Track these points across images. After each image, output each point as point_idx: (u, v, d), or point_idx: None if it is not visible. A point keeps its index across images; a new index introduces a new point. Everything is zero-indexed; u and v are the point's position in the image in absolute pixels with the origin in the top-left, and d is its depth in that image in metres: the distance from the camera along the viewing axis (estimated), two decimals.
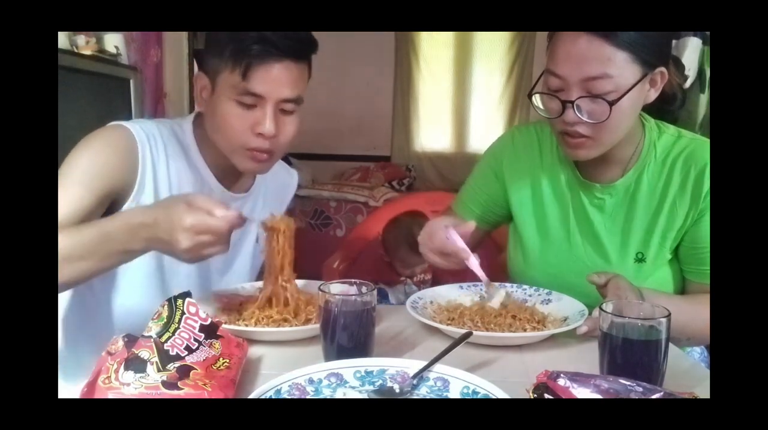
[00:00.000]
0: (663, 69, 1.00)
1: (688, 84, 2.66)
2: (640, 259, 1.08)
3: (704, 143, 1.07)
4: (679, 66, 1.10)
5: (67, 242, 0.86)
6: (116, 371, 0.66)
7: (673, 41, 2.70)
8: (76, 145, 1.01)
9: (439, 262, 1.00)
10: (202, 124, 1.09)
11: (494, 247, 1.63)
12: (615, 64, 0.94)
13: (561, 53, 0.97)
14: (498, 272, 1.29)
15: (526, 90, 4.73)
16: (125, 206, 1.02)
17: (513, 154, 1.21)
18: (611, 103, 0.95)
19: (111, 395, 0.64)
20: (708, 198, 1.03)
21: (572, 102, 0.96)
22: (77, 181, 0.96)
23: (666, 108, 1.09)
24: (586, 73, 0.94)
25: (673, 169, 1.07)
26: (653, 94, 1.02)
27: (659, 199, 1.07)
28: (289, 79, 1.00)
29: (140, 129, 1.04)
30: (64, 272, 0.85)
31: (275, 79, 0.99)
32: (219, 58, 1.00)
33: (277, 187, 1.27)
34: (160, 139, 1.06)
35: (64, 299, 1.08)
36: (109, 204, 1.01)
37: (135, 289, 1.07)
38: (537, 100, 1.03)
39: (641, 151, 1.09)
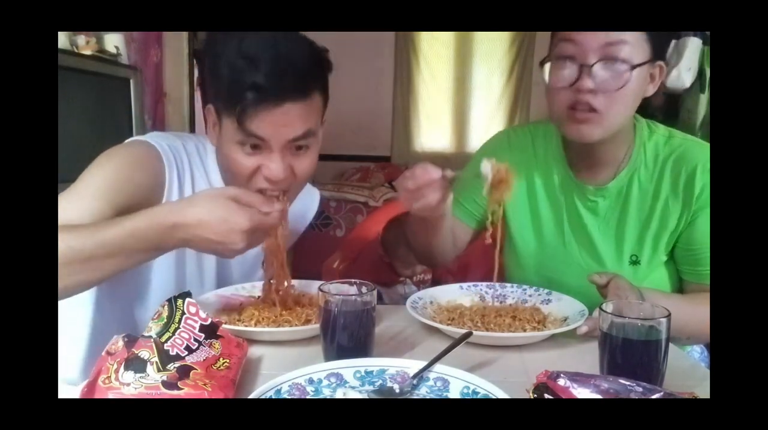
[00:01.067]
0: (662, 63, 1.01)
1: (688, 84, 2.66)
2: (634, 261, 1.08)
3: (695, 144, 1.07)
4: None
5: (88, 241, 0.82)
6: (116, 371, 0.66)
7: (673, 41, 2.71)
8: (97, 158, 0.97)
9: (425, 203, 0.96)
10: None
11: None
12: (635, 36, 0.95)
13: None
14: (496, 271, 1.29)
15: (527, 90, 4.76)
16: None
17: (507, 154, 1.20)
18: (633, 67, 0.95)
19: (111, 395, 0.64)
20: (701, 199, 1.03)
21: (590, 66, 0.96)
22: (96, 195, 0.92)
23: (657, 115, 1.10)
24: (608, 37, 0.95)
25: (664, 171, 1.07)
26: (651, 89, 1.02)
27: (651, 201, 1.07)
28: (292, 119, 0.93)
29: (167, 147, 1.00)
30: (88, 272, 0.82)
31: (275, 122, 0.92)
32: (220, 100, 0.96)
33: (299, 208, 1.22)
34: (185, 158, 1.03)
35: (88, 308, 1.05)
36: None
37: (159, 302, 1.06)
38: (547, 69, 1.03)
39: (632, 153, 1.08)
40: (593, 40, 0.95)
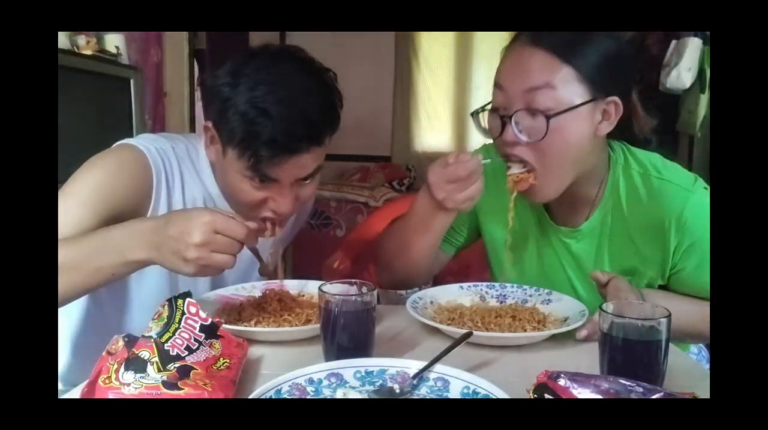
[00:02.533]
0: (617, 100, 0.94)
1: (688, 84, 2.66)
2: None
3: (673, 190, 0.97)
4: (651, 111, 1.03)
5: (64, 252, 0.82)
6: (116, 371, 0.66)
7: (673, 41, 2.71)
8: (84, 163, 0.97)
9: (464, 195, 0.95)
10: None
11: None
12: (559, 77, 0.90)
13: (507, 63, 0.95)
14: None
15: None
16: None
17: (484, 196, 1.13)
18: (548, 117, 0.89)
19: (111, 395, 0.64)
20: (687, 255, 0.97)
21: (510, 116, 0.92)
22: (80, 201, 0.92)
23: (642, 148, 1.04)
24: (529, 82, 0.90)
25: (637, 216, 1.00)
26: (606, 127, 0.95)
27: (625, 246, 1.02)
28: (304, 165, 0.96)
29: (155, 151, 0.99)
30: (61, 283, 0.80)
31: (288, 168, 0.94)
32: (227, 138, 0.94)
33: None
34: (175, 161, 1.02)
35: (73, 320, 1.05)
36: None
37: (147, 313, 1.06)
38: (482, 119, 0.99)
39: (605, 191, 1.02)
40: (517, 85, 0.91)
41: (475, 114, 1.01)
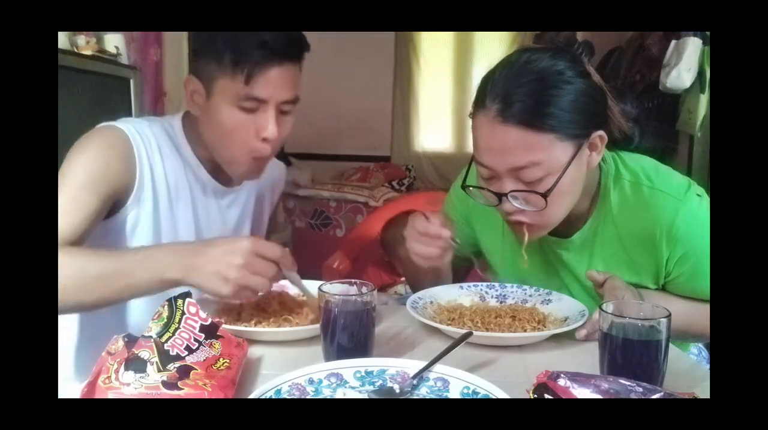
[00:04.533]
0: (601, 133, 0.93)
1: (688, 84, 2.66)
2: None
3: (664, 200, 0.96)
4: (627, 104, 1.01)
5: (103, 263, 0.88)
6: (116, 371, 0.66)
7: (673, 41, 2.71)
8: (71, 148, 1.00)
9: (424, 251, 0.97)
10: (191, 121, 1.10)
11: None
12: (541, 149, 0.88)
13: (482, 144, 0.92)
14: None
15: None
16: (126, 206, 1.03)
17: (477, 206, 1.12)
18: (545, 195, 0.89)
19: (111, 395, 0.64)
20: (680, 264, 0.97)
21: (505, 195, 0.91)
22: (81, 185, 0.96)
23: (627, 147, 1.03)
24: (512, 163, 0.89)
25: (628, 227, 0.99)
26: (596, 158, 0.95)
27: (617, 256, 1.02)
28: (287, 81, 1.01)
29: (133, 129, 1.04)
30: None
31: (276, 82, 0.99)
32: (217, 65, 0.98)
33: (267, 178, 1.28)
34: (152, 138, 1.07)
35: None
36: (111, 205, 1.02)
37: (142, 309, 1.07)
38: (474, 191, 0.98)
39: (597, 203, 1.02)
40: (502, 164, 0.90)
41: (464, 188, 1.00)
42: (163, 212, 1.08)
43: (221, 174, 1.14)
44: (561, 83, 0.88)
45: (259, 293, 0.90)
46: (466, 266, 1.27)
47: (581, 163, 0.93)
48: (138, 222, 1.05)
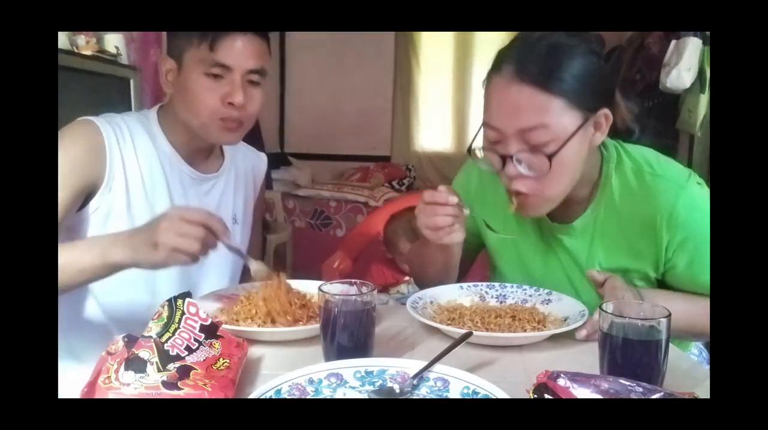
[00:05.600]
0: (606, 111, 0.95)
1: (688, 84, 2.66)
2: None
3: (665, 185, 0.98)
4: (631, 101, 1.04)
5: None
6: (116, 371, 0.66)
7: (673, 41, 2.71)
8: None
9: (434, 221, 0.98)
10: (166, 112, 1.14)
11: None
12: (551, 112, 0.90)
13: (494, 104, 0.94)
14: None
15: None
16: (97, 196, 1.06)
17: (479, 190, 1.17)
18: (550, 156, 0.90)
19: (111, 395, 0.64)
20: (679, 251, 0.98)
21: (511, 156, 0.92)
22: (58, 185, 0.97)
23: (628, 140, 1.05)
24: (521, 124, 0.90)
25: (629, 213, 1.01)
26: (599, 137, 0.96)
27: (618, 242, 1.02)
28: (253, 50, 1.06)
29: (105, 121, 1.08)
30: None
31: (240, 50, 1.04)
32: (186, 38, 1.05)
33: (248, 168, 1.31)
34: (126, 129, 1.10)
35: None
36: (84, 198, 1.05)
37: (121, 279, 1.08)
38: (479, 153, 1.00)
39: (598, 189, 1.03)
40: (510, 126, 0.91)
41: (470, 151, 1.01)
42: (137, 201, 1.09)
43: (197, 161, 1.17)
44: (575, 55, 0.92)
45: (198, 257, 0.90)
46: (475, 250, 1.26)
47: (585, 138, 0.94)
48: (111, 212, 1.07)
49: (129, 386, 0.65)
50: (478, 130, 1.01)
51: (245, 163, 1.30)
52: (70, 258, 0.91)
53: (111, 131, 1.07)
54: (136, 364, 0.67)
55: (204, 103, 1.06)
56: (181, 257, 0.89)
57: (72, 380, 0.70)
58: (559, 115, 0.90)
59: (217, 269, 1.21)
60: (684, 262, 0.99)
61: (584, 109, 0.92)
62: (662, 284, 1.05)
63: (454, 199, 0.98)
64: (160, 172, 1.12)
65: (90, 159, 1.04)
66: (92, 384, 0.66)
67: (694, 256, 0.98)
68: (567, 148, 0.91)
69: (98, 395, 0.64)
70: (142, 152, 1.11)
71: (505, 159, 0.94)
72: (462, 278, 1.24)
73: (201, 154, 1.18)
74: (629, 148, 1.04)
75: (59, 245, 0.91)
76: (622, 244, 1.02)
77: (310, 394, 0.70)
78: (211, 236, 0.90)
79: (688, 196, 0.97)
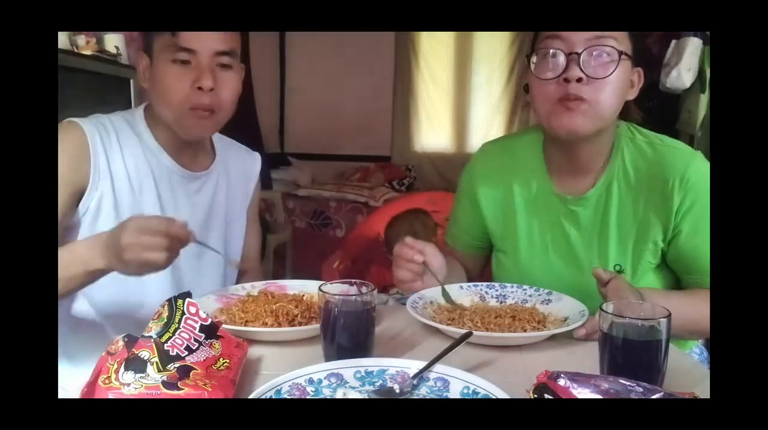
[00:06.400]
0: (640, 70, 1.03)
1: (688, 84, 2.66)
2: (619, 271, 1.06)
3: (674, 152, 1.05)
4: (641, 108, 1.14)
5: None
6: (116, 371, 0.66)
7: (673, 41, 2.71)
8: None
9: (396, 273, 1.04)
10: (151, 110, 1.13)
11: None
12: (618, 33, 0.98)
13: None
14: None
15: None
16: (84, 198, 1.05)
17: (485, 176, 1.20)
18: (621, 53, 0.97)
19: (111, 395, 0.64)
20: (680, 214, 1.02)
21: (578, 54, 0.96)
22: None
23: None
24: (592, 33, 0.96)
25: (642, 180, 1.05)
26: (632, 93, 1.04)
27: (631, 211, 1.06)
28: (218, 35, 1.04)
29: (89, 123, 1.07)
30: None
31: (205, 36, 1.02)
32: (155, 35, 1.04)
33: (240, 167, 1.29)
34: (111, 129, 1.09)
35: None
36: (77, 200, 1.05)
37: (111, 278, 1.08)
38: (534, 61, 1.03)
39: (611, 160, 1.07)
40: (580, 34, 0.97)
41: (528, 56, 1.05)
42: (124, 200, 1.09)
43: (186, 159, 1.16)
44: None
45: (167, 264, 0.89)
46: (483, 255, 1.28)
47: (626, 79, 1.01)
48: (99, 212, 1.07)
49: (129, 386, 0.65)
50: (535, 36, 1.04)
51: (237, 162, 1.28)
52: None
53: (95, 132, 1.06)
54: (136, 364, 0.67)
55: (173, 90, 1.04)
56: (151, 268, 0.88)
57: (64, 377, 0.71)
58: (623, 38, 0.99)
59: (209, 262, 1.20)
60: (688, 228, 1.02)
61: (633, 50, 1.00)
62: (666, 263, 1.08)
63: (419, 259, 1.02)
64: (147, 171, 1.11)
65: (72, 162, 1.03)
66: (92, 384, 0.66)
67: (699, 224, 1.02)
68: (621, 68, 0.97)
69: (98, 395, 0.64)
70: (129, 152, 1.10)
71: (570, 59, 0.97)
72: (476, 279, 1.26)
73: (188, 150, 1.16)
74: (640, 128, 1.11)
75: None
76: (633, 215, 1.06)
77: (310, 394, 0.70)
78: (175, 242, 0.88)
79: (698, 163, 1.02)
